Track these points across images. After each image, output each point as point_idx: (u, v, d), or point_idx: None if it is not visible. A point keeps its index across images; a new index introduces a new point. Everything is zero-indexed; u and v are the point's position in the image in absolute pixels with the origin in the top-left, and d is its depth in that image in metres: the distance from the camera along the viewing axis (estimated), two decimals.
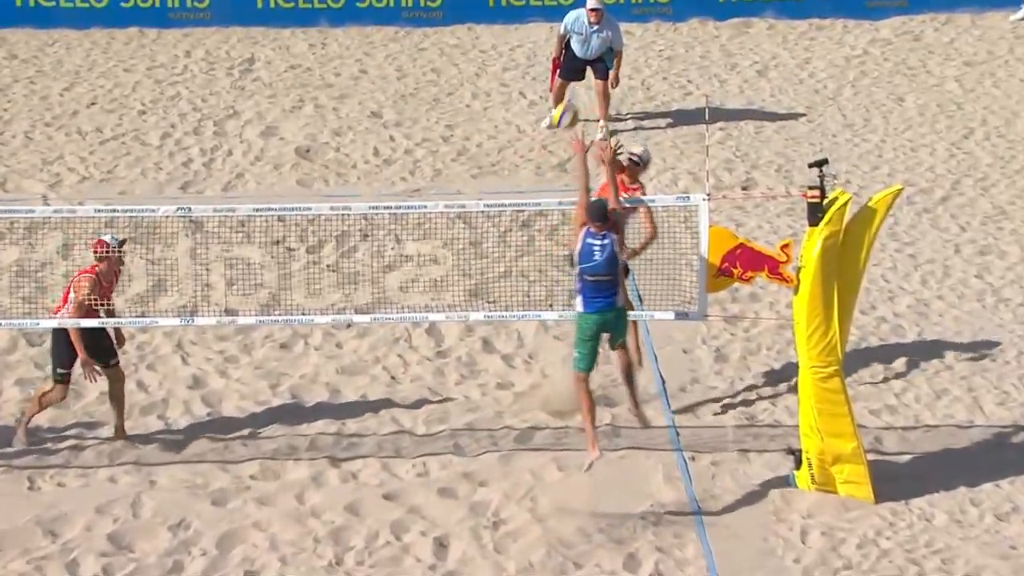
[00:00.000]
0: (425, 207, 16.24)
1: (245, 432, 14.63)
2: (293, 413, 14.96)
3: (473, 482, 14.11)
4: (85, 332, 14.11)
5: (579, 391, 13.66)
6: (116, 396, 14.43)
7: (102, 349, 14.29)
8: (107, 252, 14.19)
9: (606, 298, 13.53)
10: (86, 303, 14.10)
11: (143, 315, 15.52)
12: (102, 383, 14.34)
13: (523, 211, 17.58)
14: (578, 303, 13.59)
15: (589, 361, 13.65)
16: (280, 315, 15.87)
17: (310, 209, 15.97)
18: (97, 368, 14.15)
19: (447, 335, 16.24)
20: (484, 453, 14.48)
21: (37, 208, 16.22)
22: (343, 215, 17.02)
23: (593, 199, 13.65)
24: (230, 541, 13.32)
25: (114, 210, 15.70)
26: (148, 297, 16.20)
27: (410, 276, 16.94)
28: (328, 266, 17.17)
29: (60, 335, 14.17)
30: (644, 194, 15.03)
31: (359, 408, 15.08)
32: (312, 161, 19.95)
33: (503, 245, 17.52)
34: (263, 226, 17.44)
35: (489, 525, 13.59)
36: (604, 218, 13.43)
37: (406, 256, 17.27)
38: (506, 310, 15.97)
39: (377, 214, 17.19)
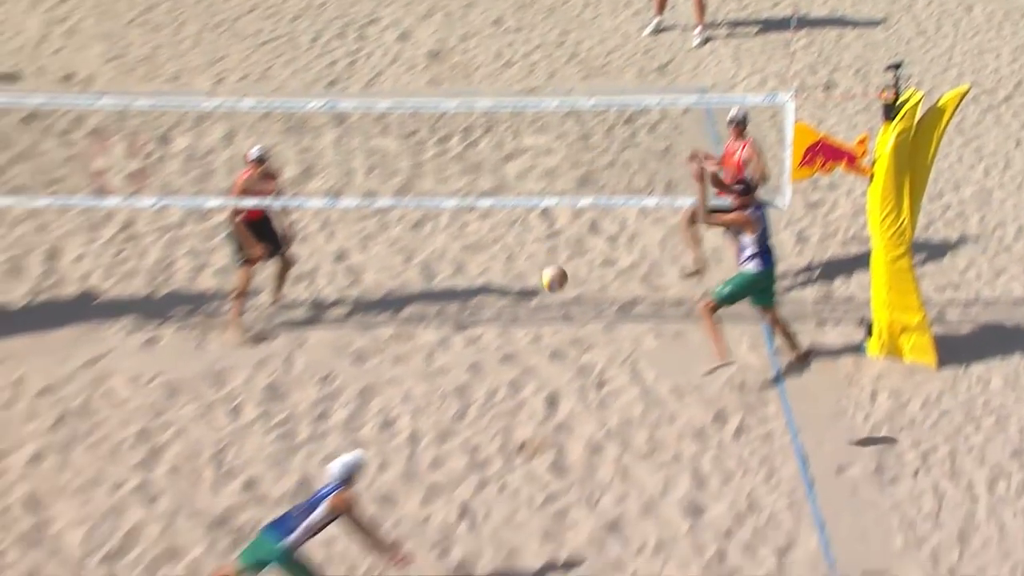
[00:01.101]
0: (540, 104, 16.26)
1: (382, 300, 14.81)
2: (423, 284, 15.10)
3: (580, 347, 14.21)
4: (251, 228, 14.19)
5: (707, 316, 13.48)
6: (281, 276, 14.52)
7: (271, 242, 14.30)
8: (249, 162, 14.05)
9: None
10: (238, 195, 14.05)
11: (294, 196, 15.67)
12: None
13: (627, 109, 17.52)
14: (752, 264, 13.38)
15: (729, 304, 13.50)
16: (413, 198, 16.00)
17: (439, 105, 16.02)
18: (260, 255, 14.16)
19: (558, 218, 16.27)
20: (590, 322, 14.57)
21: (204, 101, 16.38)
22: (468, 111, 17.10)
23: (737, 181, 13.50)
24: (369, 394, 13.54)
25: (269, 104, 15.85)
26: (298, 181, 16.36)
27: (527, 165, 16.95)
28: (455, 156, 17.22)
29: (233, 232, 14.22)
30: (753, 147, 14.60)
31: (481, 281, 15.20)
32: (441, 63, 19.93)
33: (609, 138, 17.49)
34: (398, 120, 17.52)
35: (594, 385, 13.70)
36: (749, 189, 13.34)
37: (523, 148, 17.28)
38: (611, 196, 15.99)
39: (498, 110, 17.22)
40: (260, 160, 14.10)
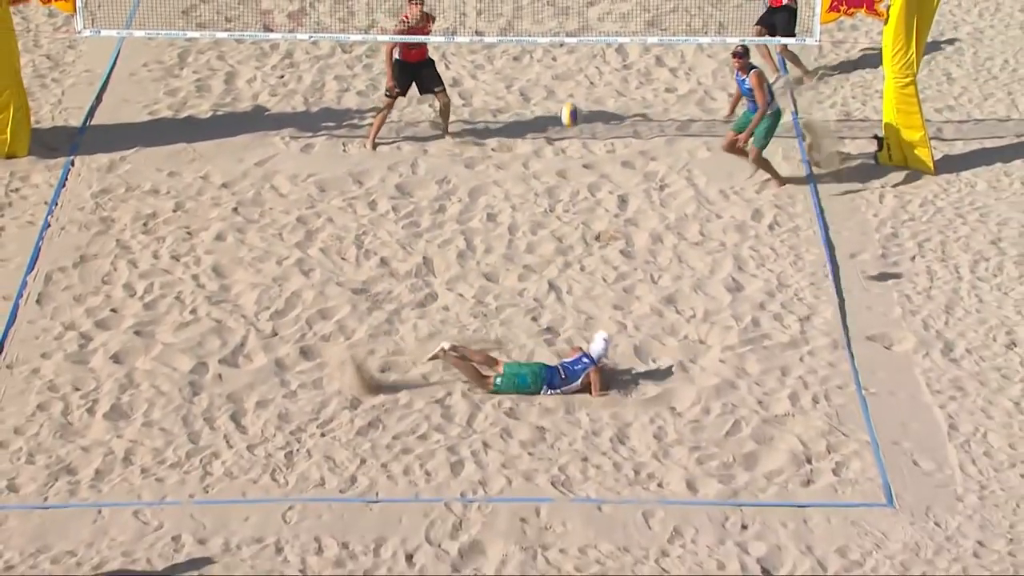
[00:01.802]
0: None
1: (488, 119, 14.65)
2: (522, 105, 14.89)
3: (647, 157, 14.04)
4: (404, 67, 13.70)
5: (759, 161, 13.27)
6: (443, 112, 14.06)
7: (427, 78, 13.84)
8: (412, 2, 13.63)
9: None
10: (399, 34, 13.69)
11: (425, 32, 15.42)
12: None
13: None
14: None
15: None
16: (514, 36, 15.73)
17: None
18: (398, 91, 13.69)
19: (630, 53, 15.98)
20: (654, 137, 14.38)
21: None
22: None
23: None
24: (477, 192, 13.49)
25: None
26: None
27: (606, 9, 16.58)
28: (548, 2, 16.87)
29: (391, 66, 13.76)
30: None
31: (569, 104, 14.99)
32: None
33: None
34: None
35: (657, 188, 13.58)
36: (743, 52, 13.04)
37: None
38: (673, 35, 15.65)
39: None
40: (421, 1, 13.61)
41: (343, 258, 12.52)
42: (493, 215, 13.15)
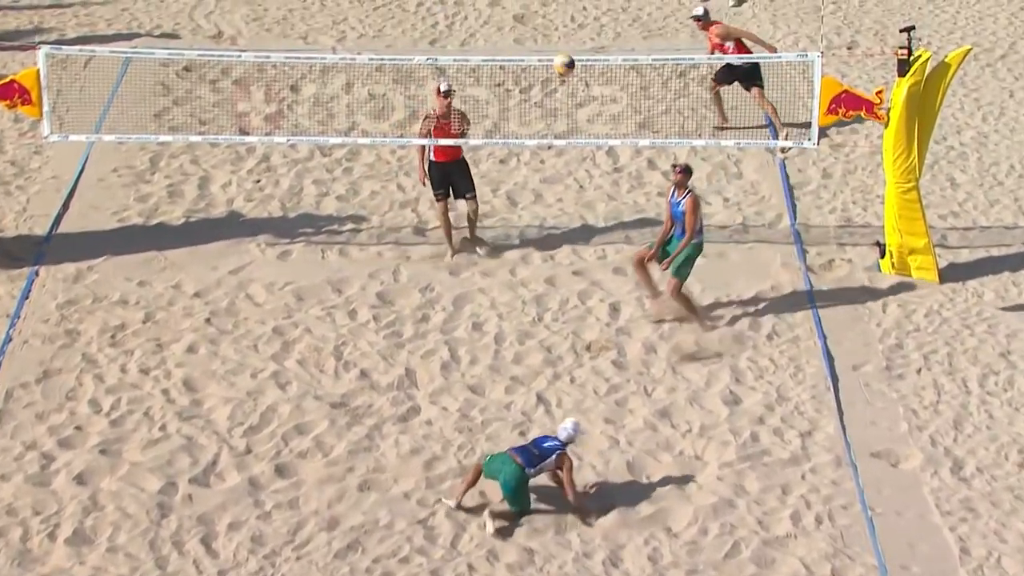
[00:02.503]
0: (607, 60, 16.13)
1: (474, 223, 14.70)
2: (508, 210, 15.05)
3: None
4: (431, 165, 13.71)
5: (678, 295, 12.98)
6: (470, 219, 14.04)
7: (460, 182, 13.80)
8: (439, 95, 13.70)
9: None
10: (422, 134, 13.74)
11: (401, 136, 15.64)
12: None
13: (680, 64, 17.31)
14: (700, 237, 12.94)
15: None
16: (500, 139, 15.92)
17: (523, 60, 15.96)
18: (441, 193, 13.74)
19: (621, 156, 16.16)
20: (647, 242, 14.42)
21: (328, 56, 16.35)
22: (547, 65, 16.86)
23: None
24: (462, 301, 13.52)
25: (382, 59, 15.82)
26: (405, 123, 16.31)
27: (595, 111, 16.81)
28: (535, 103, 17.11)
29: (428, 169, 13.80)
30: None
31: (556, 209, 15.13)
32: (525, 25, 19.79)
33: (665, 89, 17.30)
34: (488, 72, 17.41)
35: (650, 295, 13.61)
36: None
37: (592, 96, 17.14)
38: (666, 138, 15.85)
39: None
40: (447, 94, 13.57)
41: (321, 370, 12.51)
42: (479, 324, 13.17)
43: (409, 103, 16.82)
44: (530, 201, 15.22)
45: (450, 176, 14.00)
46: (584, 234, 14.57)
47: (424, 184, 14.07)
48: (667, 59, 16.15)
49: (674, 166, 13.05)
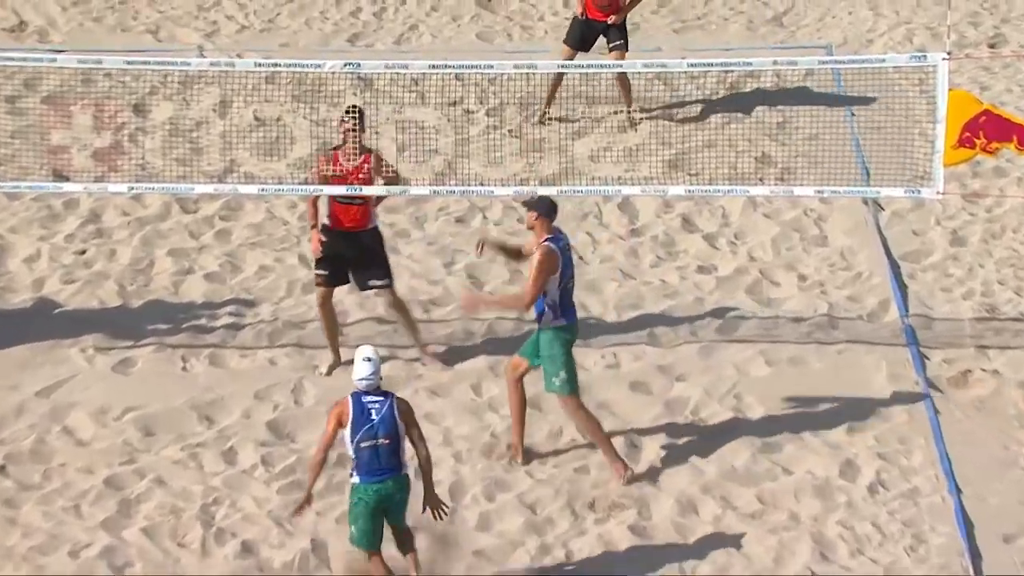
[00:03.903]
0: (620, 65, 16.21)
1: (416, 315, 14.71)
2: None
3: (669, 376, 14.12)
4: (323, 229, 13.94)
5: (579, 414, 13.04)
6: (395, 314, 14.33)
7: (358, 264, 14.03)
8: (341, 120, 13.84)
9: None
10: (313, 179, 14.03)
11: (305, 182, 15.61)
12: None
13: (731, 71, 17.44)
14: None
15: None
16: (456, 185, 15.97)
17: (492, 67, 16.02)
18: (319, 275, 14.01)
19: (642, 211, 16.22)
20: (682, 344, 14.49)
21: (193, 60, 16.43)
22: (527, 74, 17.01)
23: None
24: None
25: (276, 64, 15.89)
26: (310, 162, 16.33)
27: (601, 144, 16.92)
28: (510, 131, 17.20)
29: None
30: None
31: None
32: (494, 12, 19.97)
33: (707, 110, 17.44)
34: (439, 85, 17.52)
35: (686, 422, 13.62)
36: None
37: (597, 120, 17.26)
38: (709, 183, 15.93)
39: (565, 73, 17.15)
40: (351, 115, 13.64)
41: (180, 544, 12.43)
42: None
43: (317, 131, 16.87)
44: (502, 281, 15.25)
45: (343, 253, 13.99)
46: (585, 331, 14.55)
47: (317, 263, 14.02)
48: (711, 64, 16.27)
49: (524, 202, 12.93)
